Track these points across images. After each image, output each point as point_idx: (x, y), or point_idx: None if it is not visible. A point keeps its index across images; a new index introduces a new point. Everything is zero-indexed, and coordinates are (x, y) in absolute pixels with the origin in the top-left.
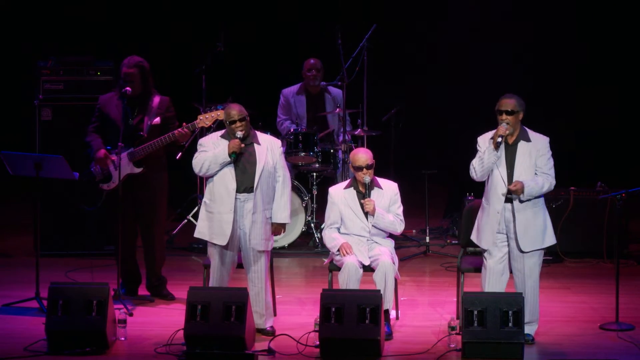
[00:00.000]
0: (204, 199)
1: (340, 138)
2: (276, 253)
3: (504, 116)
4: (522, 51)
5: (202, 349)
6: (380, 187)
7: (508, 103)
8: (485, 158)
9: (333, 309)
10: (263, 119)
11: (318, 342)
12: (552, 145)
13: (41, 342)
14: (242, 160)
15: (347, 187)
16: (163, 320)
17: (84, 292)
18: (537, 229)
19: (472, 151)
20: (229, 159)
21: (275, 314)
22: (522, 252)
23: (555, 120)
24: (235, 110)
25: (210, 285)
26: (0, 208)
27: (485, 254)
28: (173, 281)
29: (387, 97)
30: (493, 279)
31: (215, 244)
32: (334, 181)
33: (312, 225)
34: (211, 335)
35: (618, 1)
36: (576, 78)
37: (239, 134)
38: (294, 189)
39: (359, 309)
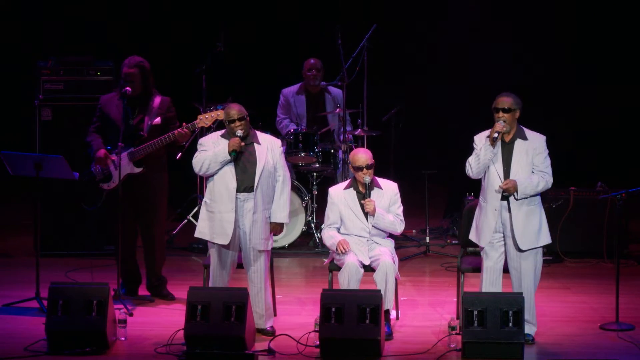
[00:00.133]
0: (204, 199)
1: (341, 138)
2: (276, 253)
3: (501, 114)
4: (522, 51)
5: (202, 349)
6: (380, 187)
7: (505, 101)
8: (482, 154)
9: (333, 309)
10: (263, 118)
11: (318, 342)
12: (552, 145)
13: (41, 342)
14: (242, 159)
15: (347, 187)
16: (163, 320)
17: (84, 292)
18: (533, 228)
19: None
20: (229, 158)
21: (275, 314)
22: (519, 251)
23: (555, 120)
24: (235, 110)
25: (210, 285)
26: (0, 208)
27: (482, 254)
28: (173, 281)
29: (387, 97)
30: (491, 279)
31: (215, 244)
32: (334, 181)
33: (312, 225)
34: (211, 335)
35: (618, 1)
36: (576, 78)
37: (239, 132)
38: (294, 189)
39: (359, 309)
